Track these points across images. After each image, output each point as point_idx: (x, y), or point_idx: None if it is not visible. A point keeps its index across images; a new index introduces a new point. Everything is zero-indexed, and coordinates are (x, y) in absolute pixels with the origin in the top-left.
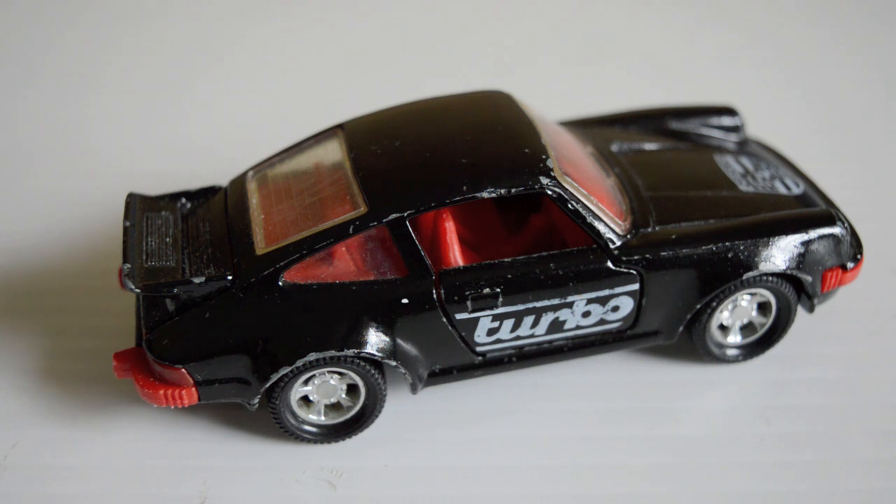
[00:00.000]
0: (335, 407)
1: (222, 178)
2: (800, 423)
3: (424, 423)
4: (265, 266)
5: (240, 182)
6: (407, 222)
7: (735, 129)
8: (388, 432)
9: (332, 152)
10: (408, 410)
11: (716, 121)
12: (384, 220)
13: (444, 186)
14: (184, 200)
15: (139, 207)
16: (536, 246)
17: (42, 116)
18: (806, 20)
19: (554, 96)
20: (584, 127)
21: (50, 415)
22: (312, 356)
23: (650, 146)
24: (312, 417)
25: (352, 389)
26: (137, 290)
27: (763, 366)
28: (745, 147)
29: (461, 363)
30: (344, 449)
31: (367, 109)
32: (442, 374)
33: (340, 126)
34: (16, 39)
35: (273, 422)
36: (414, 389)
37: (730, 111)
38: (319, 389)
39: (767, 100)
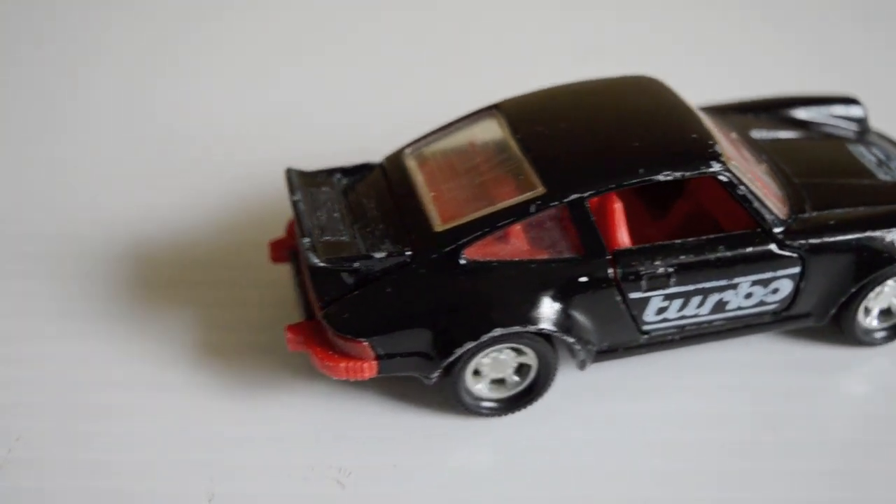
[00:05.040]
0: (499, 382)
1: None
2: None
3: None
4: (446, 243)
5: (397, 159)
6: (586, 203)
7: (859, 119)
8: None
9: (492, 132)
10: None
11: (841, 110)
12: (565, 200)
13: (621, 169)
14: (339, 176)
15: (299, 182)
16: (681, 230)
17: (206, 102)
18: None
19: None
20: (720, 114)
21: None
22: (497, 332)
23: (784, 134)
24: (485, 392)
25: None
26: (322, 264)
27: None
28: (867, 137)
29: (627, 341)
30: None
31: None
32: (609, 352)
33: (496, 106)
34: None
35: (447, 395)
36: (583, 366)
37: (854, 101)
38: (493, 364)
39: (886, 90)
